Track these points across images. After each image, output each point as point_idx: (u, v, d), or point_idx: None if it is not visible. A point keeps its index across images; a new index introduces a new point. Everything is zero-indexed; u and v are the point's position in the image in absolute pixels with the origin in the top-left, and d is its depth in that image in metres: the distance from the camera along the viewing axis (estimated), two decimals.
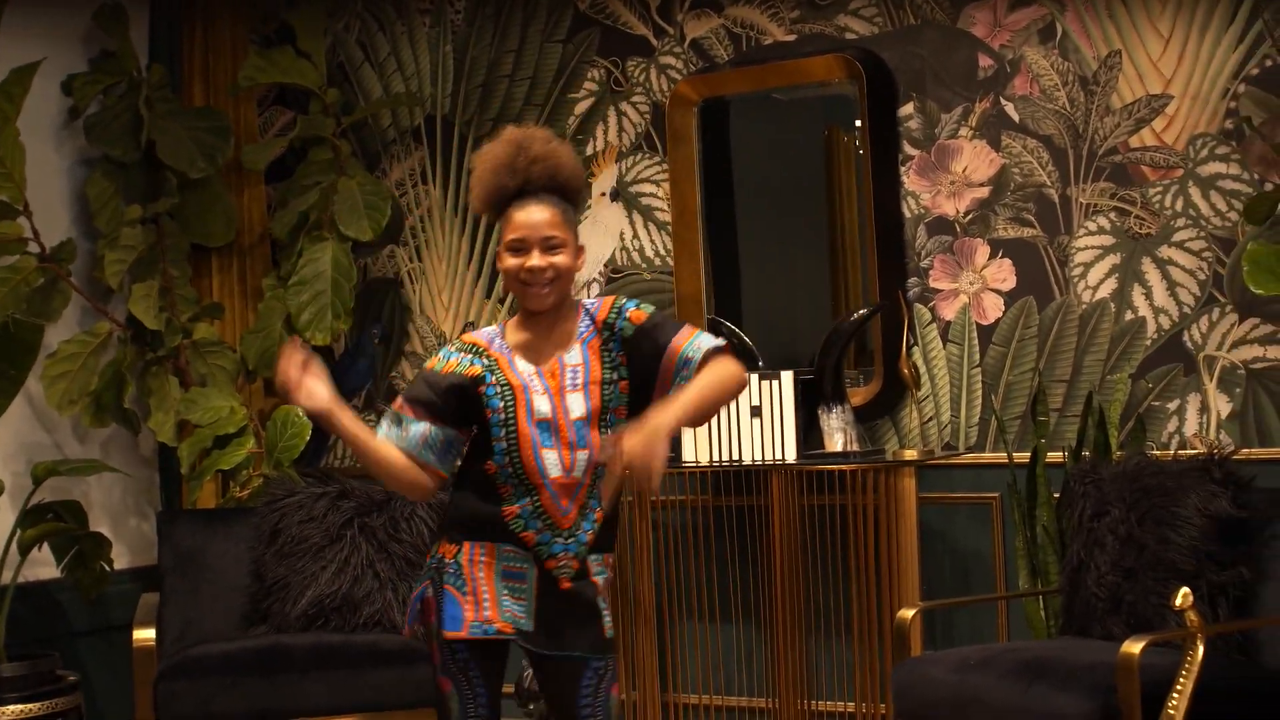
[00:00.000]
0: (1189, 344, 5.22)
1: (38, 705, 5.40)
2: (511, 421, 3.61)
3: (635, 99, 6.11)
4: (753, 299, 6.04)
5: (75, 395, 6.01)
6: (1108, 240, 5.34)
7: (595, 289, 6.15)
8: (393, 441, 3.65)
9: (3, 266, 5.85)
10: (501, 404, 3.61)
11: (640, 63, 6.08)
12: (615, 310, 3.69)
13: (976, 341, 5.53)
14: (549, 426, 3.61)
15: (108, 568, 5.94)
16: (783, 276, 6.08)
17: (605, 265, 6.16)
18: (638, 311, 3.68)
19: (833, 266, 5.93)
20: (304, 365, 3.57)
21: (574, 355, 3.66)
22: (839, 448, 5.42)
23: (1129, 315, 5.31)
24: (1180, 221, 5.23)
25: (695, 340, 3.61)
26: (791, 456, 5.42)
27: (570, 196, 3.70)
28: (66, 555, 5.87)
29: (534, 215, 3.62)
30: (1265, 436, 5.10)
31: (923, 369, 5.59)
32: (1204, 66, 5.18)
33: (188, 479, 6.13)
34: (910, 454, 5.35)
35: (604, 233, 6.16)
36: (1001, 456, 5.35)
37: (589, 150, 6.18)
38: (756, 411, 5.45)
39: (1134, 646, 3.88)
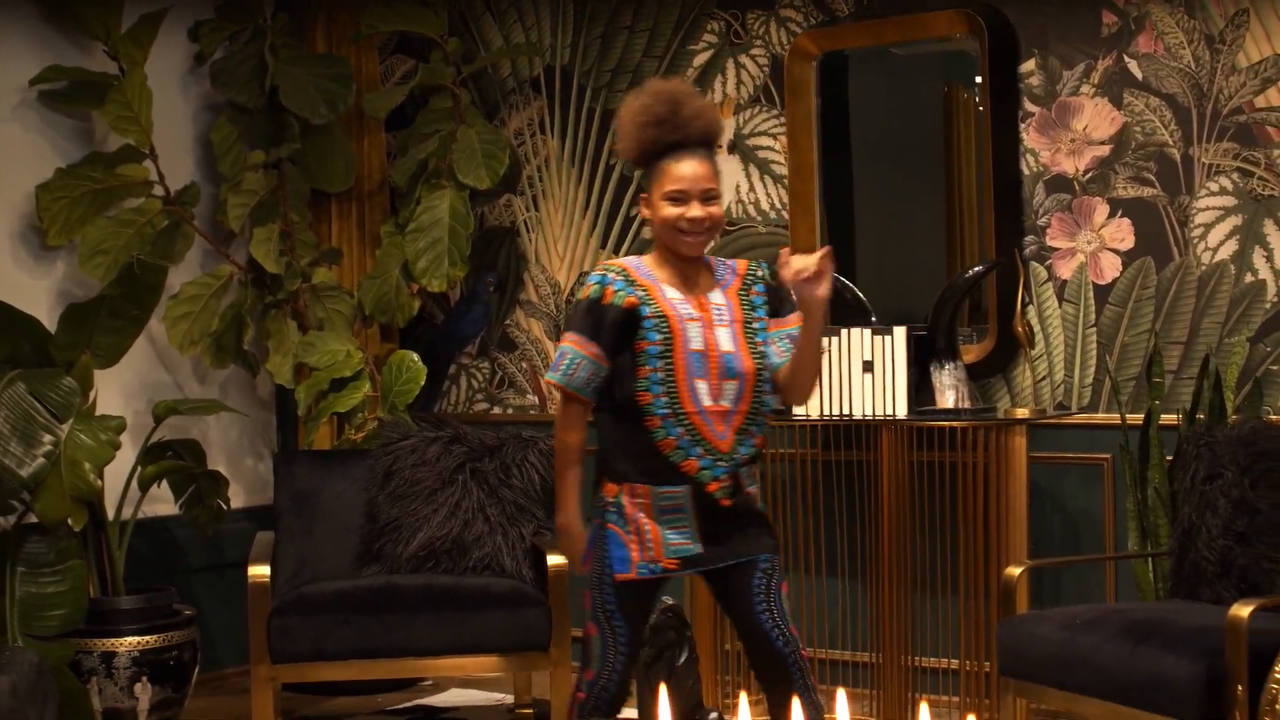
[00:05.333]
0: None
1: (155, 637, 5.52)
2: (669, 354, 3.87)
3: (754, 51, 6.10)
4: (867, 254, 6.02)
5: (196, 336, 6.13)
6: (1229, 201, 5.27)
7: (710, 244, 6.14)
8: (555, 380, 3.93)
9: (128, 209, 5.97)
10: (659, 336, 3.87)
11: (760, 15, 6.07)
12: (755, 264, 4.06)
13: (1092, 301, 5.48)
14: (701, 357, 3.87)
15: (224, 506, 6.05)
16: (898, 232, 6.05)
17: None
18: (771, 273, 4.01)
19: (949, 223, 5.89)
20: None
21: (717, 295, 3.96)
22: (950, 404, 5.40)
23: (1249, 278, 5.24)
24: None
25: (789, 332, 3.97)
26: (902, 412, 5.41)
27: (716, 149, 4.01)
28: (185, 493, 5.98)
29: (695, 169, 3.90)
30: None
31: (1037, 328, 5.56)
32: None
33: (304, 421, 6.23)
34: (1022, 412, 5.32)
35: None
36: (1114, 417, 5.31)
37: None
38: (869, 366, 5.44)
39: (1243, 610, 3.85)
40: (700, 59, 6.21)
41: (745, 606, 3.96)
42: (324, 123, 6.27)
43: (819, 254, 3.80)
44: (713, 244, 4.20)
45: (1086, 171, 5.49)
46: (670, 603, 5.10)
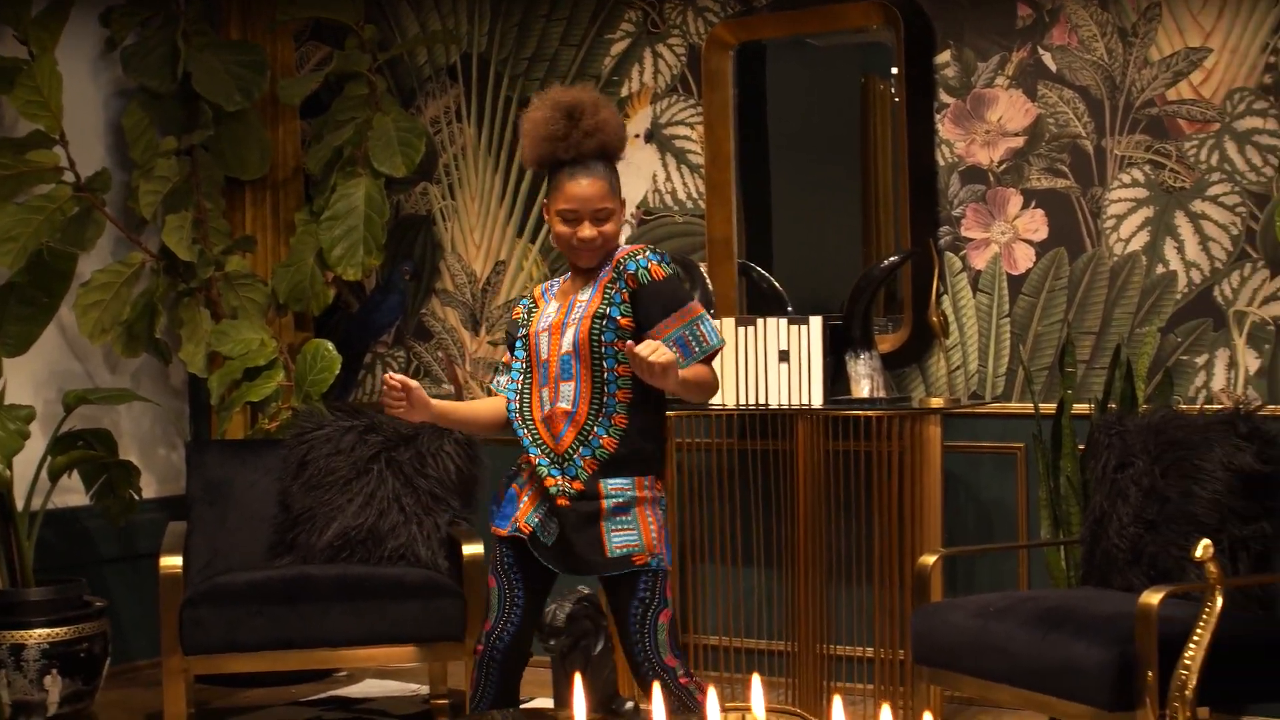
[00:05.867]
0: (1219, 299, 5.21)
1: (64, 630, 5.46)
2: (527, 368, 4.04)
3: (671, 41, 6.10)
4: (783, 244, 6.04)
5: (107, 324, 6.05)
6: (1141, 193, 5.32)
7: (627, 231, 6.15)
8: (501, 392, 4.09)
9: (38, 195, 5.89)
10: (525, 355, 4.06)
11: (677, 5, 6.07)
12: (636, 255, 3.95)
13: (1006, 291, 5.52)
14: (546, 366, 3.98)
15: (136, 496, 5.99)
16: (814, 222, 6.07)
17: (637, 207, 6.16)
18: (658, 268, 3.95)
19: (864, 213, 5.92)
20: (406, 392, 3.92)
21: (586, 292, 3.99)
22: (865, 394, 5.43)
23: (1160, 269, 5.29)
24: (1215, 176, 5.21)
25: (671, 337, 3.90)
26: (818, 401, 5.43)
27: (616, 159, 4.03)
28: (96, 483, 5.92)
29: (587, 190, 3.93)
30: None
31: (951, 318, 5.59)
32: (1244, 21, 5.16)
33: (217, 410, 6.18)
34: (936, 402, 5.35)
35: (636, 174, 6.16)
36: (1028, 407, 5.35)
37: (624, 92, 6.18)
38: (784, 356, 5.46)
39: (1153, 597, 3.89)
40: (617, 48, 6.20)
41: (622, 630, 4.05)
42: (238, 110, 6.20)
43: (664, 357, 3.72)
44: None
45: (1001, 163, 5.53)
46: (586, 592, 5.10)
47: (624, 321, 3.92)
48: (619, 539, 3.93)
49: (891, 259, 5.51)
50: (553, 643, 5.21)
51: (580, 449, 3.92)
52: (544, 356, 3.98)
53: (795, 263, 6.02)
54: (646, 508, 3.96)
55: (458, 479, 5.43)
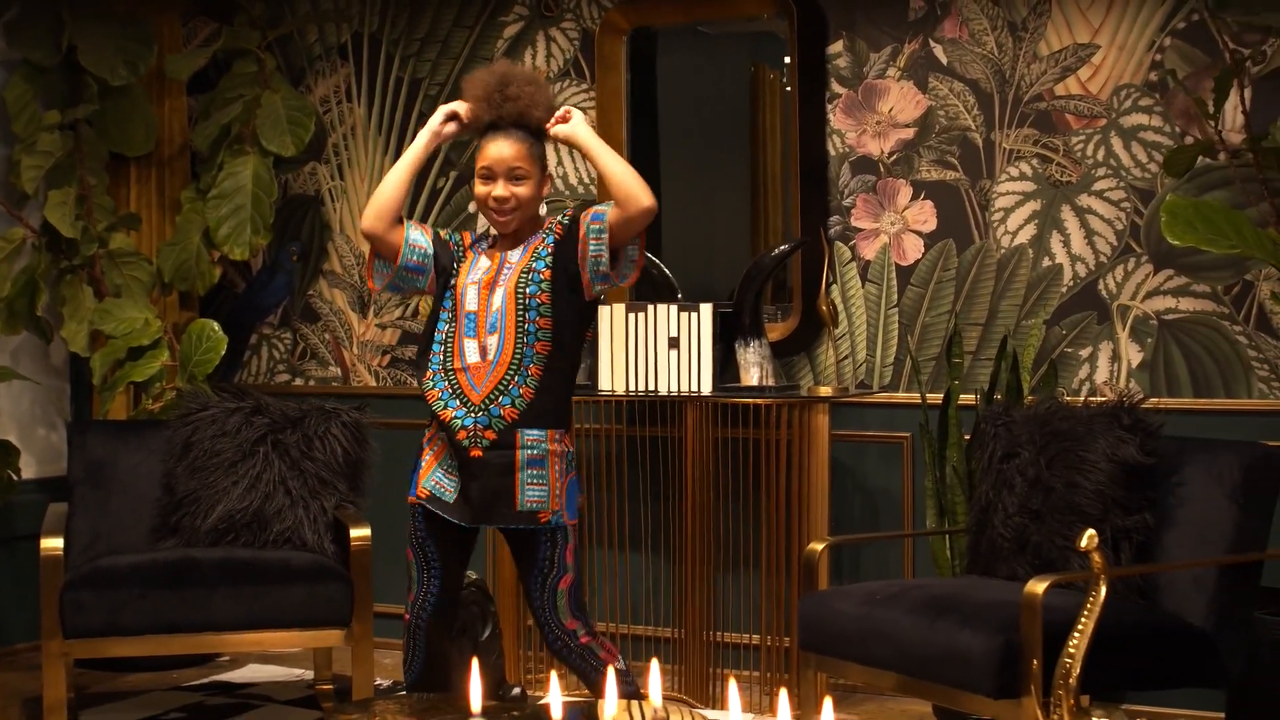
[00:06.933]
0: (1104, 293, 5.29)
1: None
2: (450, 318, 4.17)
3: (565, 25, 6.08)
4: (673, 231, 6.04)
5: None
6: (1029, 186, 5.38)
7: None
8: (404, 226, 4.28)
9: None
10: (451, 304, 4.20)
11: None
12: (558, 219, 4.24)
13: (895, 282, 5.57)
14: (474, 319, 4.14)
15: (15, 477, 5.89)
16: (704, 210, 6.09)
17: None
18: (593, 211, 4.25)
19: (753, 202, 5.94)
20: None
21: (516, 253, 4.21)
22: (755, 382, 5.45)
23: (1046, 262, 5.36)
24: (1101, 171, 5.28)
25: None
26: (707, 389, 5.44)
27: (539, 134, 4.22)
28: None
29: (502, 150, 4.17)
30: (1174, 386, 5.18)
31: (840, 307, 5.63)
32: (1131, 18, 5.23)
33: (99, 390, 6.08)
34: (824, 391, 5.39)
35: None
36: (914, 397, 5.40)
37: None
38: (674, 343, 5.47)
39: (1038, 586, 3.93)
40: (510, 30, 6.18)
41: (526, 591, 4.27)
42: (123, 84, 6.11)
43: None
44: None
45: (891, 154, 5.57)
46: (474, 577, 5.09)
47: (546, 274, 4.16)
48: (531, 493, 4.16)
49: (782, 248, 5.54)
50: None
51: (500, 398, 4.13)
52: (471, 308, 4.16)
53: (685, 249, 6.03)
54: (557, 461, 4.19)
55: (344, 462, 5.38)
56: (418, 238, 4.28)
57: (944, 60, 5.48)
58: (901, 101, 5.55)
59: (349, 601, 5.02)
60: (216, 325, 6.02)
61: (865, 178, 5.60)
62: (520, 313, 4.14)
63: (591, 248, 4.13)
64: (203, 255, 6.22)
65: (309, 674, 5.84)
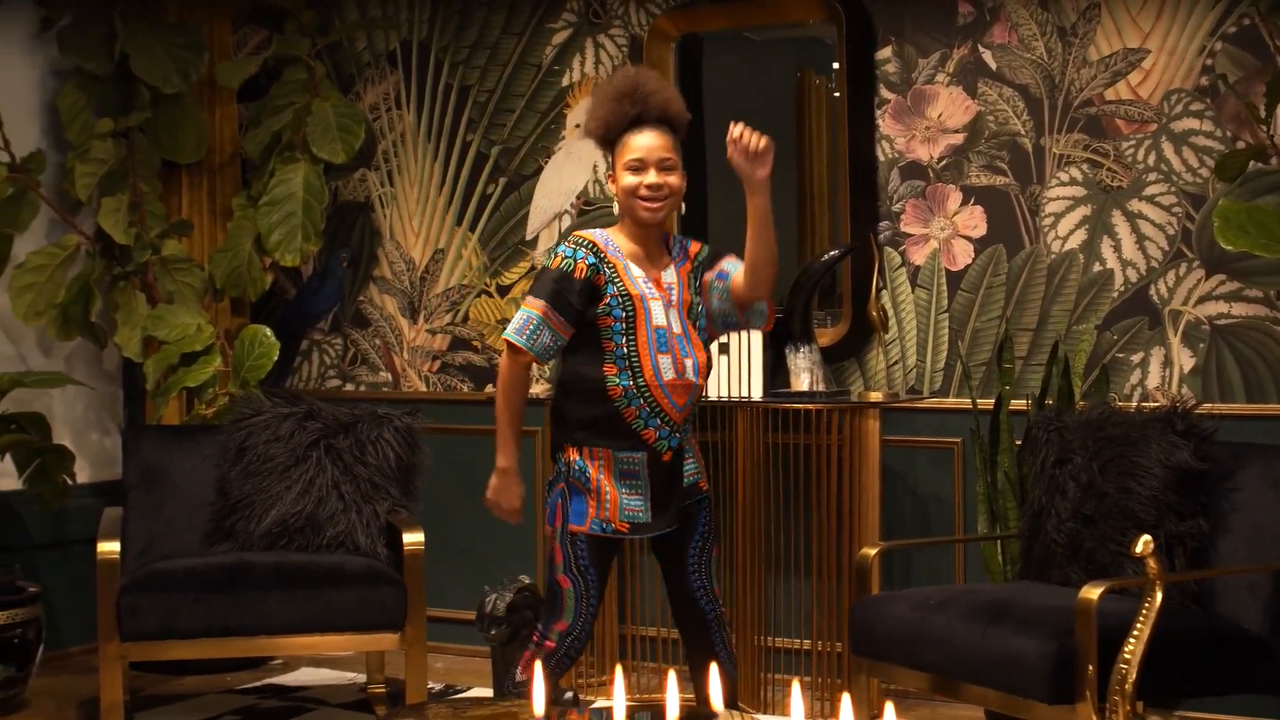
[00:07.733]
0: (1155, 298, 5.28)
1: None
2: (631, 330, 4.12)
3: (613, 31, 6.10)
4: (721, 238, 6.03)
5: (42, 307, 5.99)
6: (1079, 191, 5.38)
7: (566, 220, 6.16)
8: (516, 342, 4.14)
9: None
10: (623, 314, 4.14)
11: None
12: (703, 248, 4.35)
13: (945, 287, 5.57)
14: (664, 334, 4.14)
15: (70, 481, 5.93)
16: None
17: (578, 197, 6.16)
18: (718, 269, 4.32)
19: (800, 207, 5.95)
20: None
21: (670, 275, 4.25)
22: (805, 387, 5.46)
23: (1097, 267, 5.36)
24: (1152, 176, 5.27)
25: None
26: (757, 394, 5.46)
27: (678, 130, 4.26)
28: (28, 467, 5.85)
29: (653, 140, 4.20)
30: (1226, 392, 5.17)
31: (890, 312, 5.63)
32: (1181, 22, 5.22)
33: (152, 395, 6.13)
34: (875, 396, 5.39)
35: (577, 165, 6.16)
36: (965, 402, 5.40)
37: (565, 81, 6.18)
38: (724, 348, 5.48)
39: (1093, 592, 3.93)
40: (559, 37, 6.20)
41: (679, 568, 4.32)
42: (175, 92, 6.16)
43: (764, 138, 4.13)
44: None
45: (940, 159, 5.58)
46: (526, 581, 5.11)
47: (698, 308, 4.30)
48: (689, 467, 4.31)
49: (832, 253, 5.54)
50: (493, 632, 5.23)
51: (688, 420, 4.25)
52: (660, 323, 4.17)
53: (734, 255, 6.01)
54: (694, 439, 4.40)
55: (397, 466, 5.41)
56: (545, 341, 4.16)
57: (993, 66, 5.49)
58: (950, 107, 5.55)
59: (402, 605, 5.05)
60: (269, 331, 6.06)
61: (914, 183, 5.61)
62: (702, 338, 4.26)
63: (715, 303, 4.29)
64: (254, 261, 6.27)
65: (361, 677, 5.88)
